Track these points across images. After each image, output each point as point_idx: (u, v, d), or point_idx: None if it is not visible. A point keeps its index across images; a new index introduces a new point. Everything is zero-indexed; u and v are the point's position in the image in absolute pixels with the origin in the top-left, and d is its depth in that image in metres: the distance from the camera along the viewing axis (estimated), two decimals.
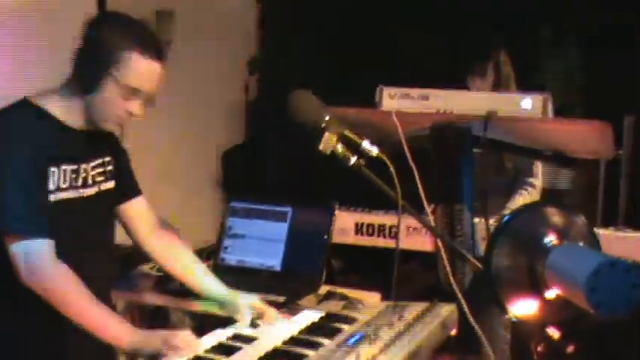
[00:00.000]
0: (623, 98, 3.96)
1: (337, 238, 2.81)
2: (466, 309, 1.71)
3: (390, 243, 2.81)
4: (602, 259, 1.16)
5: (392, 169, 1.70)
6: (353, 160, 1.68)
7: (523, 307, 1.42)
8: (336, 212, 2.39)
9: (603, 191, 4.24)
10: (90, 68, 1.71)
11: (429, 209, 2.29)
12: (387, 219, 2.72)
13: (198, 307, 2.10)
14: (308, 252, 2.32)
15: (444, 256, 2.03)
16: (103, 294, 1.75)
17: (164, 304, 2.31)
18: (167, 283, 2.23)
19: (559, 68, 4.18)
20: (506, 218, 1.35)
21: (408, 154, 2.34)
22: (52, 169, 1.72)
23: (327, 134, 1.68)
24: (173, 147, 4.07)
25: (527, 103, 2.46)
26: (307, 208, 2.39)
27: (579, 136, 2.43)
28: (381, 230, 2.75)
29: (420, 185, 2.26)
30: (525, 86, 3.18)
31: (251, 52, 4.76)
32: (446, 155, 2.45)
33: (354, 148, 1.70)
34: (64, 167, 1.74)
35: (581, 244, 1.30)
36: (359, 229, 2.80)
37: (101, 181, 1.86)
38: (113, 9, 3.38)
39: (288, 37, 4.66)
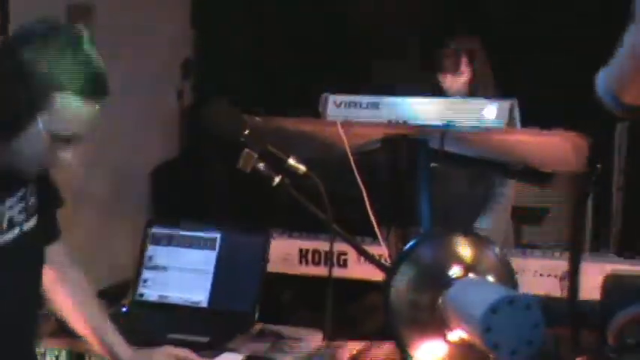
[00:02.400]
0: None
1: (279, 267, 2.83)
2: None
3: (341, 273, 2.84)
4: (501, 295, 1.17)
5: (321, 188, 1.74)
6: (277, 179, 1.71)
7: (428, 351, 1.41)
8: (275, 238, 2.42)
9: (593, 209, 4.31)
10: (10, 107, 1.55)
11: (379, 234, 2.33)
12: (335, 245, 2.75)
13: None
14: (240, 285, 2.34)
15: None
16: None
17: (72, 349, 2.30)
18: None
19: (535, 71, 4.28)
20: (408, 245, 1.38)
21: (355, 171, 2.39)
22: None
23: (246, 150, 1.71)
24: (91, 163, 4.06)
25: (491, 110, 2.52)
26: (239, 233, 2.41)
27: (551, 148, 2.49)
28: (328, 258, 2.78)
29: (369, 206, 2.31)
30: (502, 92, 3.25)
31: (184, 53, 4.79)
32: (400, 171, 2.50)
33: (280, 165, 1.74)
34: None
35: (490, 277, 1.33)
36: (303, 256, 2.83)
37: (22, 221, 1.74)
38: (19, 4, 3.39)
39: (226, 36, 4.70)
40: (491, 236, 2.92)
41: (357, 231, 2.69)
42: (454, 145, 2.47)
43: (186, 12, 4.79)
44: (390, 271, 1.33)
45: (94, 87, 1.59)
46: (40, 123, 1.56)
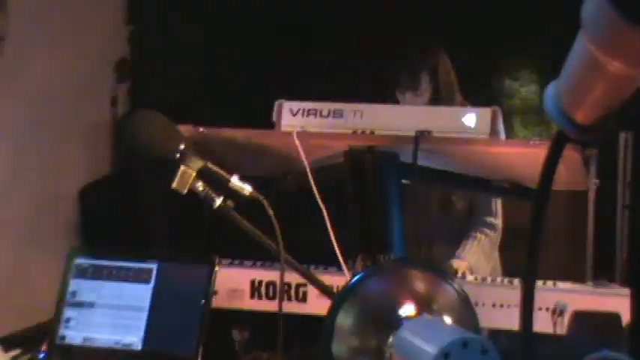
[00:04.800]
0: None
1: (227, 302, 2.84)
2: None
3: (300, 308, 2.86)
4: (454, 337, 1.19)
5: (270, 212, 1.76)
6: (218, 201, 1.73)
7: None
8: (219, 268, 2.43)
9: (594, 232, 4.37)
10: None
11: (344, 263, 2.35)
12: (292, 276, 2.77)
13: None
14: (180, 324, 2.35)
15: None
16: None
17: None
18: None
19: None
20: (352, 280, 1.40)
21: (315, 189, 2.42)
22: None
23: (182, 168, 1.72)
24: (5, 184, 4.04)
25: (471, 118, 2.56)
26: (179, 263, 2.42)
27: (539, 161, 2.54)
28: (279, 291, 2.79)
29: (331, 230, 2.33)
30: (477, 99, 3.31)
31: (119, 52, 4.80)
32: (366, 189, 2.53)
33: (222, 185, 1.76)
34: None
35: (447, 317, 1.35)
36: (255, 289, 2.84)
37: None
38: None
39: (168, 33, 4.72)
40: (470, 270, 2.96)
41: (318, 259, 2.71)
42: (429, 159, 2.51)
43: (122, 4, 4.81)
44: (332, 310, 1.35)
45: None
46: None
